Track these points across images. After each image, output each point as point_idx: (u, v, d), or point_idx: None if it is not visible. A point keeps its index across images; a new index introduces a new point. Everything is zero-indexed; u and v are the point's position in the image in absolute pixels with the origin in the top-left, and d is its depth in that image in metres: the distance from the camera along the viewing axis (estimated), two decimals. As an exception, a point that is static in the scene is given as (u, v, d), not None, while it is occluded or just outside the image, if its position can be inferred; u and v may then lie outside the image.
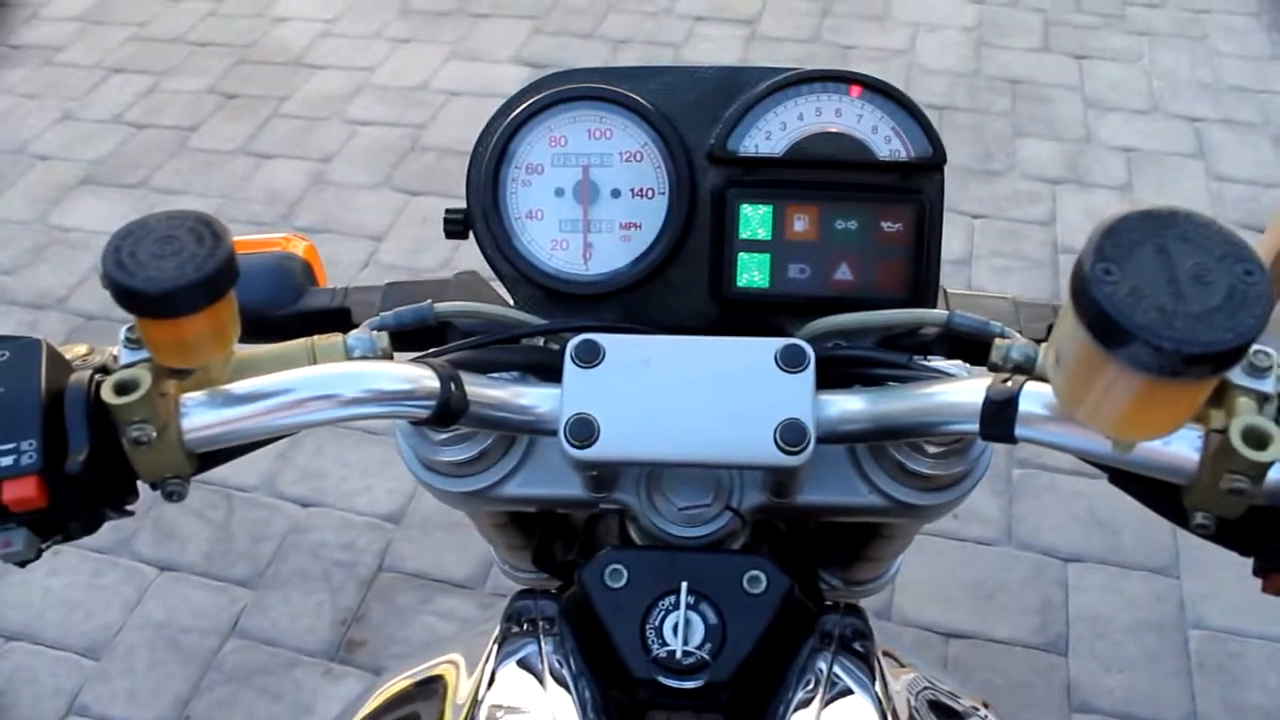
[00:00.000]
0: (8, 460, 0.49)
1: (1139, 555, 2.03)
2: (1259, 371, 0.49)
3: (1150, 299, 0.40)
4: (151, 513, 2.16)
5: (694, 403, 0.56)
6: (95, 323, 2.61)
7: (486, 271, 0.73)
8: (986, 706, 0.75)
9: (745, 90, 0.68)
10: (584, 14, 3.72)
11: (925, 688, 0.70)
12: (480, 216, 0.69)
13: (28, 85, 3.49)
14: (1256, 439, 0.47)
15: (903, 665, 0.71)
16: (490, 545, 0.93)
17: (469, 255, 2.61)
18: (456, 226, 0.70)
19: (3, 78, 3.53)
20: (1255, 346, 0.47)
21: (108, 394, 0.50)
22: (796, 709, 0.56)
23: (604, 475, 0.64)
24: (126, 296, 0.48)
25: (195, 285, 0.48)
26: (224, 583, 2.05)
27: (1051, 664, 1.88)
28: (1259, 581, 0.52)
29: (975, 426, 0.53)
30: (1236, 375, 0.49)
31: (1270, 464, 0.46)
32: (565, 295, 0.69)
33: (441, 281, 0.72)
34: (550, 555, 0.82)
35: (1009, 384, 0.52)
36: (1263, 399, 0.48)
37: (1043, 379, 0.51)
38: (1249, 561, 0.52)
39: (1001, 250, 2.73)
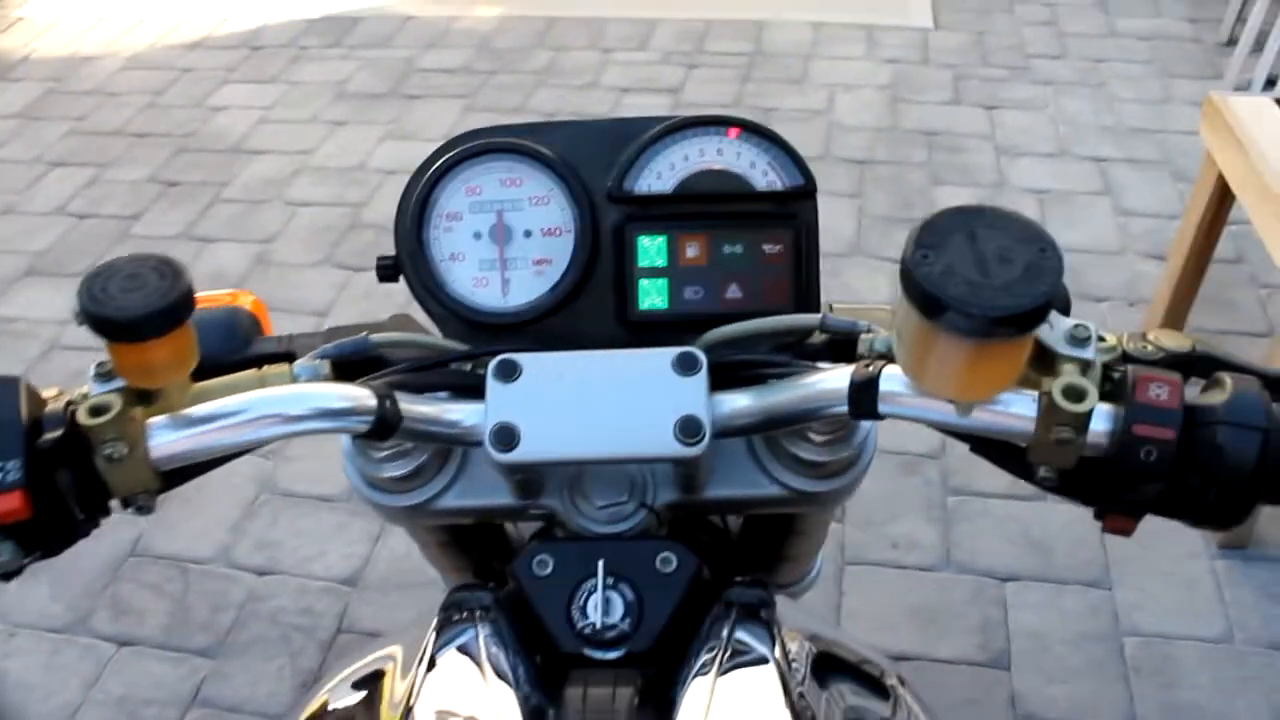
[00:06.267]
0: None
1: (1072, 571, 2.12)
2: (1079, 342, 0.57)
3: (961, 275, 0.48)
4: (109, 590, 2.18)
5: (602, 407, 0.63)
6: (44, 409, 2.62)
7: (421, 316, 0.80)
8: (903, 683, 0.80)
9: (636, 137, 0.76)
10: (513, 90, 3.85)
11: (829, 652, 0.75)
12: (408, 261, 0.76)
13: (-33, 183, 3.53)
14: (1075, 395, 0.55)
15: (818, 636, 0.75)
16: (436, 568, 0.99)
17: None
18: (388, 271, 0.77)
19: (-58, 177, 3.57)
20: (1075, 321, 0.57)
21: (84, 416, 0.57)
22: (699, 673, 0.60)
23: (530, 481, 0.70)
24: (101, 323, 0.56)
25: (159, 312, 0.56)
26: (184, 653, 2.07)
27: (996, 679, 1.95)
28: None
29: (845, 408, 0.60)
30: (1061, 345, 0.57)
31: (1088, 414, 0.54)
32: (487, 326, 0.75)
33: (377, 323, 0.79)
34: (492, 570, 0.88)
35: (870, 368, 0.60)
36: (1084, 365, 0.57)
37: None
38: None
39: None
